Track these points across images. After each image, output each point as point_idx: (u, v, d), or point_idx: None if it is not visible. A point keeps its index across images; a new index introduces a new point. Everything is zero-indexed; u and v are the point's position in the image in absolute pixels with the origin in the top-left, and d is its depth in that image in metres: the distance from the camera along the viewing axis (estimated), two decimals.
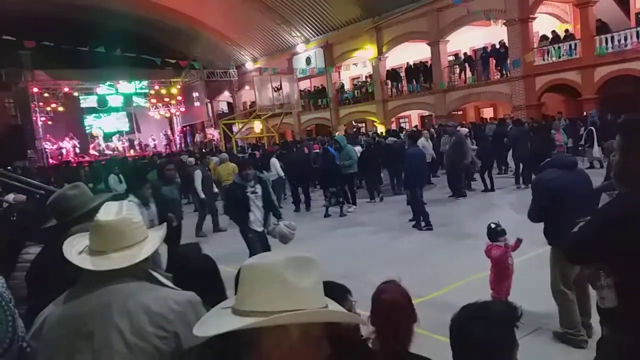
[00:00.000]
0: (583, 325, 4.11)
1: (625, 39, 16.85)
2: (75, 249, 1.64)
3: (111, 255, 1.57)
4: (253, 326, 1.04)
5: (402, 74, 25.62)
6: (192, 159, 14.30)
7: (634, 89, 16.22)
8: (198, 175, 10.53)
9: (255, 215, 6.24)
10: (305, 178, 12.60)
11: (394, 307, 1.97)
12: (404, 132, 18.00)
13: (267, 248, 6.21)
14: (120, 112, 33.96)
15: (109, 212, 1.62)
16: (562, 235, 3.79)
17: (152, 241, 1.66)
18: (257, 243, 6.18)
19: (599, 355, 2.05)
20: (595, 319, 3.99)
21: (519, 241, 4.65)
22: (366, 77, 28.83)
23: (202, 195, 10.34)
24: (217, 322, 1.11)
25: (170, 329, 1.51)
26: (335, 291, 2.12)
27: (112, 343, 1.48)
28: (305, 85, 31.44)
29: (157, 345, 1.49)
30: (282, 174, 12.46)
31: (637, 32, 16.60)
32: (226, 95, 36.93)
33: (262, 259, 1.14)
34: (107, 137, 32.83)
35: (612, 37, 17.19)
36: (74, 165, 22.95)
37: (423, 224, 8.95)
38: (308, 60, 29.47)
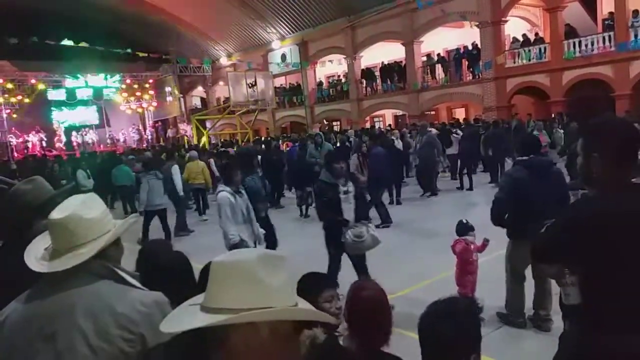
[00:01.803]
0: (540, 318, 4.37)
1: (592, 44, 17.38)
2: (43, 247, 1.58)
3: (65, 254, 1.51)
4: (222, 323, 1.03)
5: (377, 73, 25.79)
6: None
7: (599, 93, 16.77)
8: (176, 170, 10.03)
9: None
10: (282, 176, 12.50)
11: (375, 306, 1.96)
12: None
13: (361, 259, 5.16)
14: (90, 106, 33.11)
15: (61, 208, 1.55)
16: (521, 231, 4.04)
17: (105, 238, 1.56)
18: (338, 260, 5.12)
19: (560, 349, 2.11)
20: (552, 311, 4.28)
21: (486, 241, 4.81)
22: (341, 75, 28.90)
23: (182, 193, 10.02)
24: (185, 318, 1.09)
25: (136, 331, 1.47)
26: (322, 281, 2.13)
27: (74, 345, 1.43)
28: (280, 82, 31.32)
29: (122, 348, 1.45)
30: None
31: (604, 37, 17.14)
32: (200, 90, 36.47)
33: (233, 255, 1.12)
34: (70, 130, 31.97)
35: (580, 42, 17.70)
36: (40, 158, 22.30)
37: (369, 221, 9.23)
38: (283, 57, 29.34)
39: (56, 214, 1.53)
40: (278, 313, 1.07)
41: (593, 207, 1.92)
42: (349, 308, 2.00)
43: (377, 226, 8.96)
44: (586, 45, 17.51)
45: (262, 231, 5.53)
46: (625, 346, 1.82)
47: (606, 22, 17.85)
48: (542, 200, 3.94)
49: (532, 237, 2.09)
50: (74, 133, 32.08)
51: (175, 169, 10.09)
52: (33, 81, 28.84)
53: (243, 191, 5.40)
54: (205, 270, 2.23)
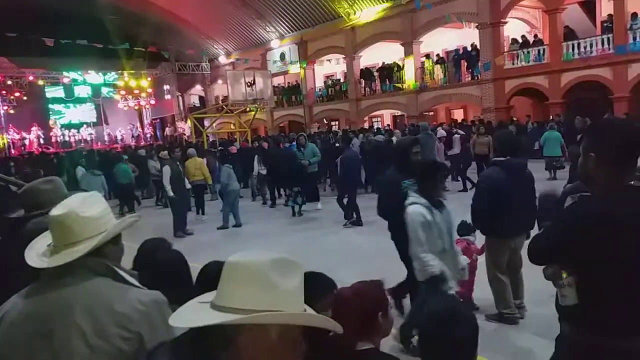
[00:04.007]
0: (517, 306, 4.56)
1: (591, 46, 17.41)
2: (46, 244, 1.58)
3: (63, 251, 1.51)
4: (234, 322, 1.03)
5: (376, 74, 25.80)
6: (165, 152, 13.86)
7: (598, 94, 16.81)
8: (167, 171, 9.71)
9: None
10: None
11: (351, 305, 1.87)
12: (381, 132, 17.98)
13: None
14: (88, 103, 33.08)
15: (62, 205, 1.56)
16: (498, 229, 4.33)
17: (102, 236, 1.56)
18: None
19: (557, 351, 2.12)
20: (527, 299, 4.58)
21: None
22: (339, 74, 28.86)
23: (171, 194, 9.60)
24: (195, 315, 1.09)
25: (134, 330, 1.47)
26: (325, 283, 2.11)
27: (72, 343, 1.43)
28: (279, 81, 31.31)
29: (120, 346, 1.45)
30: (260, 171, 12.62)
31: (602, 39, 17.17)
32: (198, 88, 36.45)
33: (247, 256, 1.12)
34: (67, 128, 31.91)
35: (579, 44, 17.73)
36: (38, 155, 22.26)
37: (347, 221, 9.44)
38: (282, 56, 29.34)
39: (55, 210, 1.54)
40: (291, 317, 1.08)
41: (591, 209, 1.93)
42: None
43: (345, 225, 9.24)
44: (585, 48, 17.55)
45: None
46: (621, 347, 1.83)
47: (605, 25, 17.88)
48: (518, 200, 4.20)
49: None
50: (71, 130, 32.06)
51: (166, 169, 9.71)
52: (31, 78, 28.81)
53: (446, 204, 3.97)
54: (204, 270, 2.23)
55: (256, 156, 13.05)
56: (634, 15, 16.42)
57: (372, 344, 1.77)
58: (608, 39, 16.94)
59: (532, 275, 4.31)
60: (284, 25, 28.74)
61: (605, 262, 1.84)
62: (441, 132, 13.18)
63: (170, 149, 11.66)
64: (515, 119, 19.19)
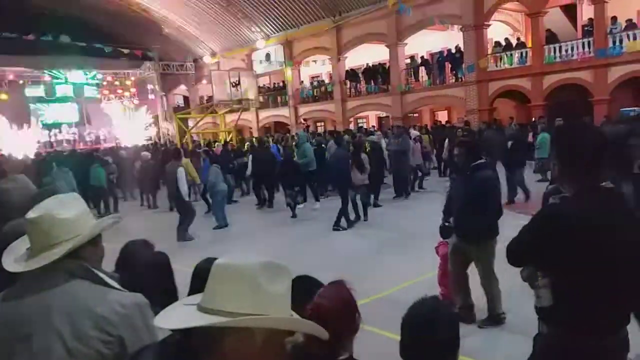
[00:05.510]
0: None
1: (572, 49, 17.71)
2: (25, 247, 1.56)
3: (40, 254, 1.48)
4: (220, 325, 1.02)
5: (361, 75, 25.88)
6: (147, 153, 13.68)
7: (579, 97, 17.10)
8: (182, 173, 8.98)
9: None
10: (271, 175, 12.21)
11: (330, 314, 1.89)
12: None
13: None
14: (70, 103, 32.55)
15: (38, 208, 1.52)
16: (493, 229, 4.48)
17: (79, 238, 1.53)
18: None
19: (535, 351, 2.16)
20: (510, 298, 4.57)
21: None
22: (324, 76, 28.86)
23: (187, 198, 9.21)
24: (182, 316, 1.08)
25: (114, 333, 1.45)
26: (313, 284, 2.10)
27: (51, 347, 1.41)
28: (264, 81, 31.20)
29: (100, 350, 1.44)
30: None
31: (583, 43, 17.48)
32: (182, 88, 36.15)
33: (236, 259, 1.11)
34: (49, 128, 31.35)
35: (560, 47, 18.02)
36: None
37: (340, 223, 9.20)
38: (268, 57, 29.26)
39: (31, 213, 1.51)
40: (277, 321, 1.07)
41: (563, 210, 1.98)
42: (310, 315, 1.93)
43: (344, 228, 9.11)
44: (566, 51, 17.83)
45: None
46: (597, 346, 1.87)
47: (586, 29, 18.20)
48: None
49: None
50: (52, 130, 31.51)
51: (181, 171, 9.14)
52: (11, 77, 28.28)
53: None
54: (197, 271, 2.19)
55: (250, 156, 13.12)
56: (614, 19, 16.74)
57: (347, 351, 1.70)
58: (589, 42, 17.24)
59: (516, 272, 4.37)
60: (269, 26, 28.66)
61: (578, 263, 1.88)
62: (414, 133, 13.43)
63: (177, 152, 10.42)
64: (498, 119, 19.43)
